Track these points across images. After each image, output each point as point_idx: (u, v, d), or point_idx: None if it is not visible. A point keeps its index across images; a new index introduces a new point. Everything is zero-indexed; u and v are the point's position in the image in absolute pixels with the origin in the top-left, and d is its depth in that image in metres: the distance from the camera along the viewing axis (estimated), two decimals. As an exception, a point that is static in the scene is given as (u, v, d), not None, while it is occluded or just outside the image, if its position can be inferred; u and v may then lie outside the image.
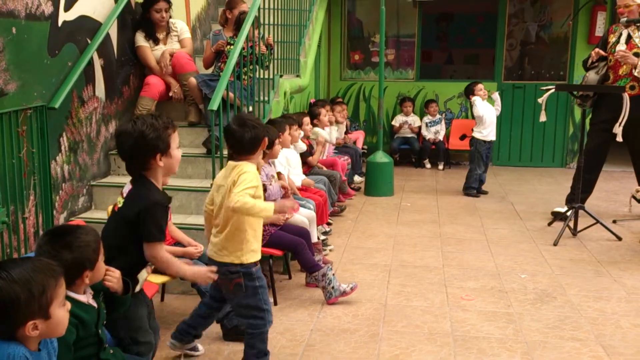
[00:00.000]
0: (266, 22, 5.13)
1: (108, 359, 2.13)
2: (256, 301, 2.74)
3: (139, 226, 2.28)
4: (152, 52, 4.92)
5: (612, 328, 3.41)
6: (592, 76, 5.45)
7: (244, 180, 2.65)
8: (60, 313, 1.71)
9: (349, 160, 6.83)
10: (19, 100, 3.44)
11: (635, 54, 5.22)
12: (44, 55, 3.71)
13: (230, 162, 2.79)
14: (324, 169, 5.78)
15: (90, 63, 4.21)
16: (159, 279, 3.08)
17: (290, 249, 3.88)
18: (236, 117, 2.88)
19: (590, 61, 5.50)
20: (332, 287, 3.72)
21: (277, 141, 4.15)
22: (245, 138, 2.74)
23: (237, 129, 2.75)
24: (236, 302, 2.79)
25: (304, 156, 5.47)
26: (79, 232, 2.03)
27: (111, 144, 4.59)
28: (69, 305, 1.78)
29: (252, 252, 2.74)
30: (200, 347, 3.14)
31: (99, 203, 4.32)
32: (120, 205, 2.37)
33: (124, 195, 2.38)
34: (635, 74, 5.19)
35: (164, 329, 3.19)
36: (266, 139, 2.82)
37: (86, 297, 2.05)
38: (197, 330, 3.05)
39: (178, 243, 3.30)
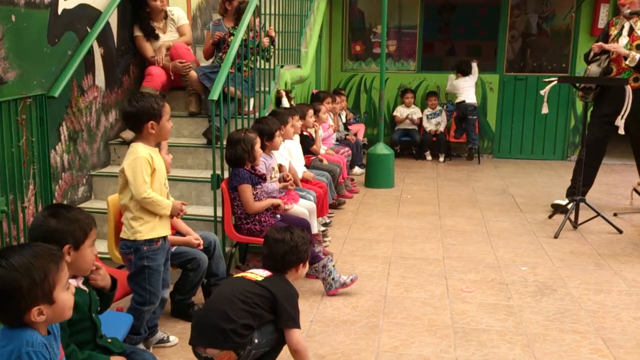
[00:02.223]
0: (267, 12, 5.10)
1: (105, 346, 2.12)
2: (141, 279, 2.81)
3: (276, 307, 2.47)
4: (152, 44, 4.89)
5: (612, 321, 3.41)
6: (595, 69, 5.41)
7: (137, 169, 2.69)
8: (65, 297, 1.70)
9: (349, 152, 6.81)
10: (19, 89, 3.42)
11: (638, 46, 5.20)
12: (43, 44, 3.68)
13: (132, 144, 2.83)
14: (326, 162, 5.76)
15: (90, 52, 4.19)
16: None
17: (290, 240, 3.86)
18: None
19: (591, 55, 5.48)
20: (332, 279, 3.72)
21: (277, 132, 4.14)
22: (130, 113, 2.76)
23: (125, 105, 2.82)
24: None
25: (309, 145, 5.48)
26: (74, 209, 2.06)
27: (111, 134, 4.57)
28: (73, 288, 1.77)
29: (141, 230, 2.77)
30: (172, 337, 3.12)
31: (98, 193, 4.31)
32: (258, 279, 2.53)
33: (254, 272, 2.58)
34: (627, 63, 5.17)
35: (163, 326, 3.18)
36: (150, 121, 2.72)
37: (76, 281, 2.04)
38: (149, 322, 3.01)
39: (177, 233, 3.29)
